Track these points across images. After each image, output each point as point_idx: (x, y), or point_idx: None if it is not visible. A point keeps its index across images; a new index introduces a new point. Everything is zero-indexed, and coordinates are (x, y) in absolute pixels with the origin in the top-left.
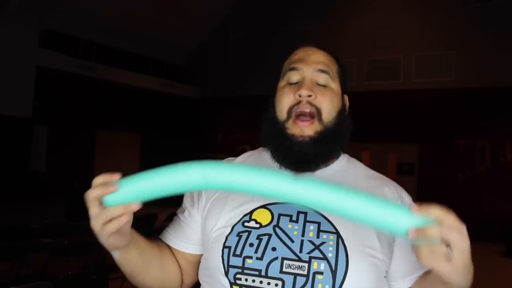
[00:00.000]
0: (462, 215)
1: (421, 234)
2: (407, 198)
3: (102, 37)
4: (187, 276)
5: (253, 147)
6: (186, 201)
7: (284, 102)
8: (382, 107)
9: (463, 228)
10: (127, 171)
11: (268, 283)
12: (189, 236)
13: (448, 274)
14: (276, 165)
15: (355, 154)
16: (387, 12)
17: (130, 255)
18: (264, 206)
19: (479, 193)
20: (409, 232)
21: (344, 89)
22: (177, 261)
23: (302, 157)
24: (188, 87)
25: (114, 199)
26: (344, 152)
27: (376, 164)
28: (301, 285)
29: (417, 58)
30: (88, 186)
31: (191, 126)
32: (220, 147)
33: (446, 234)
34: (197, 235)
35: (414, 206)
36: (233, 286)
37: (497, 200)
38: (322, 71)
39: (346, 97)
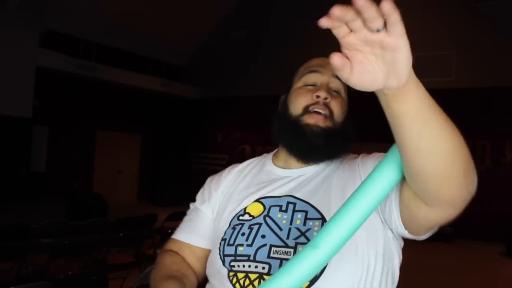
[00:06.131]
0: (462, 215)
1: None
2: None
3: (102, 37)
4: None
5: (253, 147)
6: (197, 199)
7: (302, 100)
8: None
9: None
10: (127, 171)
11: (256, 267)
12: (199, 228)
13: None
14: (289, 156)
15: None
16: None
17: None
18: (258, 200)
19: (479, 193)
20: None
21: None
22: (189, 261)
23: (313, 144)
24: (188, 87)
25: None
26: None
27: None
28: None
29: (417, 58)
30: (88, 186)
31: (191, 126)
32: (220, 147)
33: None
34: (206, 230)
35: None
36: (229, 273)
37: (497, 200)
38: (338, 77)
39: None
